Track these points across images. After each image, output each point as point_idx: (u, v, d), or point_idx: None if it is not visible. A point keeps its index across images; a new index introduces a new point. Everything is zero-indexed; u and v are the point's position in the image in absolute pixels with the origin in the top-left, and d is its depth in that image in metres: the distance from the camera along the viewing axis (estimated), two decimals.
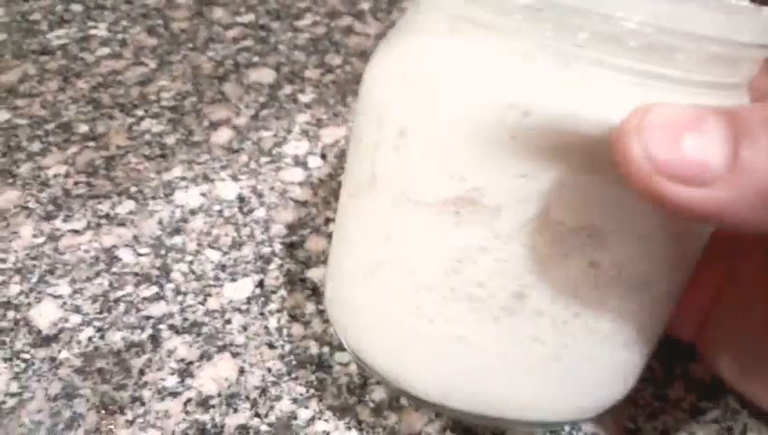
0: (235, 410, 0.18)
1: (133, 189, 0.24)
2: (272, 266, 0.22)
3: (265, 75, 0.30)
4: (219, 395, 0.18)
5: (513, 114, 0.12)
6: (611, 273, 0.13)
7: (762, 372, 0.16)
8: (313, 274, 0.22)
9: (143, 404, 0.18)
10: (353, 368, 0.19)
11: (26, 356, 0.19)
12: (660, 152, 0.10)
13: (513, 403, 0.14)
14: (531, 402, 0.14)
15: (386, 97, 0.13)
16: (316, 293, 0.21)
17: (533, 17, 0.11)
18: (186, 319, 0.20)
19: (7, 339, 0.20)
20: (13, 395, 0.18)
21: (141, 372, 0.19)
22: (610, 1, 0.11)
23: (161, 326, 0.20)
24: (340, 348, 0.19)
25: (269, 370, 0.19)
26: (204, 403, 0.18)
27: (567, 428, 0.18)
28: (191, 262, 0.22)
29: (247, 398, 0.18)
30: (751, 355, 0.16)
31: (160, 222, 0.23)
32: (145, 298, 0.21)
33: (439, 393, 0.14)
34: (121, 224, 0.23)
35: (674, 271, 0.14)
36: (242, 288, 0.21)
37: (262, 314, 0.20)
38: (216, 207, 0.24)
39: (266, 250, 0.22)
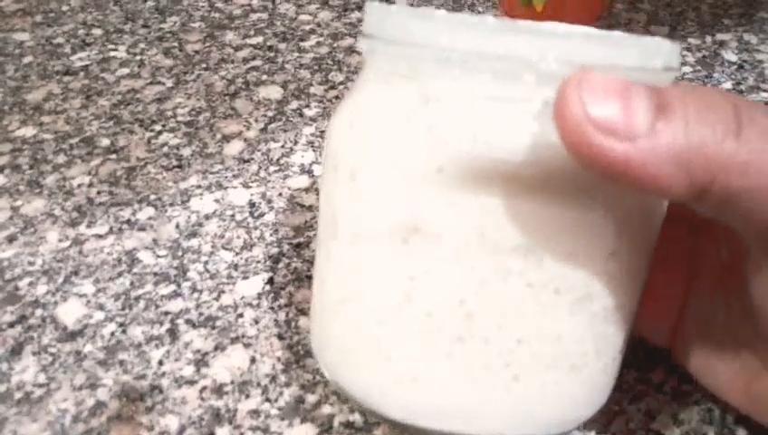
0: (248, 397, 0.19)
1: (152, 197, 0.26)
2: (280, 265, 0.23)
3: (273, 92, 0.32)
4: (232, 383, 0.19)
5: (434, 150, 0.13)
6: (549, 291, 0.14)
7: (722, 366, 0.16)
8: None
9: (162, 392, 0.19)
10: None
11: (53, 350, 0.21)
12: (595, 105, 0.11)
13: (477, 428, 0.15)
14: (492, 428, 0.15)
15: (339, 144, 0.15)
16: None
17: (443, 65, 0.13)
18: (201, 314, 0.22)
19: (35, 335, 0.21)
20: (40, 386, 0.20)
21: (160, 363, 0.20)
22: (506, 44, 0.12)
23: (179, 321, 0.21)
24: None
25: (278, 359, 0.20)
26: (218, 390, 0.19)
27: None
28: (206, 262, 0.23)
29: (258, 385, 0.19)
30: (714, 352, 0.17)
31: (178, 226, 0.25)
32: (163, 296, 0.22)
33: (410, 417, 0.15)
34: (141, 229, 0.25)
35: (616, 287, 0.14)
36: (253, 285, 0.22)
37: (271, 308, 0.22)
38: (229, 213, 0.25)
39: (275, 250, 0.24)
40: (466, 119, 0.13)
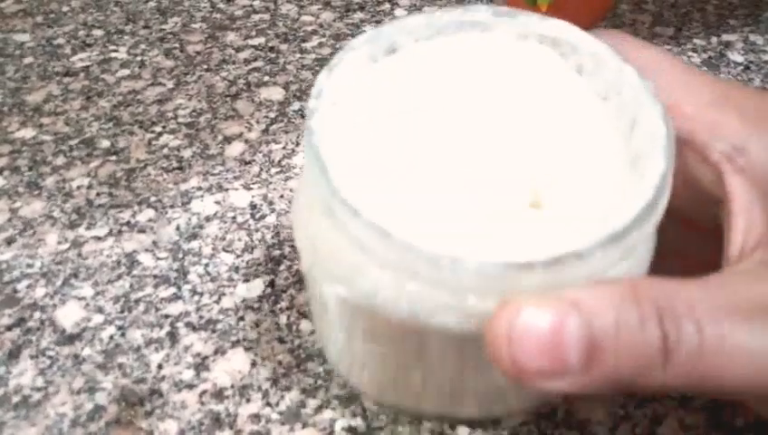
0: (248, 401, 0.19)
1: (152, 199, 0.26)
2: (281, 268, 0.23)
3: (275, 93, 0.32)
4: (233, 387, 0.19)
5: (372, 317, 0.15)
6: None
7: None
8: None
9: (161, 396, 0.19)
10: None
11: (51, 353, 0.20)
12: (524, 360, 0.12)
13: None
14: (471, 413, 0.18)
15: (298, 244, 0.17)
16: None
17: (376, 249, 0.13)
18: (201, 317, 0.21)
19: (33, 338, 0.21)
20: (39, 389, 0.19)
21: (160, 367, 0.20)
22: (432, 275, 0.13)
23: (179, 324, 0.21)
24: None
25: (279, 362, 0.20)
26: (218, 394, 0.19)
27: (560, 414, 0.19)
28: (207, 264, 0.23)
29: (259, 389, 0.19)
30: None
31: (178, 228, 0.25)
32: (163, 298, 0.22)
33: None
34: (141, 231, 0.25)
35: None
36: (254, 288, 0.22)
37: (272, 311, 0.22)
38: (230, 214, 0.25)
39: (276, 253, 0.24)
40: (402, 297, 0.14)
